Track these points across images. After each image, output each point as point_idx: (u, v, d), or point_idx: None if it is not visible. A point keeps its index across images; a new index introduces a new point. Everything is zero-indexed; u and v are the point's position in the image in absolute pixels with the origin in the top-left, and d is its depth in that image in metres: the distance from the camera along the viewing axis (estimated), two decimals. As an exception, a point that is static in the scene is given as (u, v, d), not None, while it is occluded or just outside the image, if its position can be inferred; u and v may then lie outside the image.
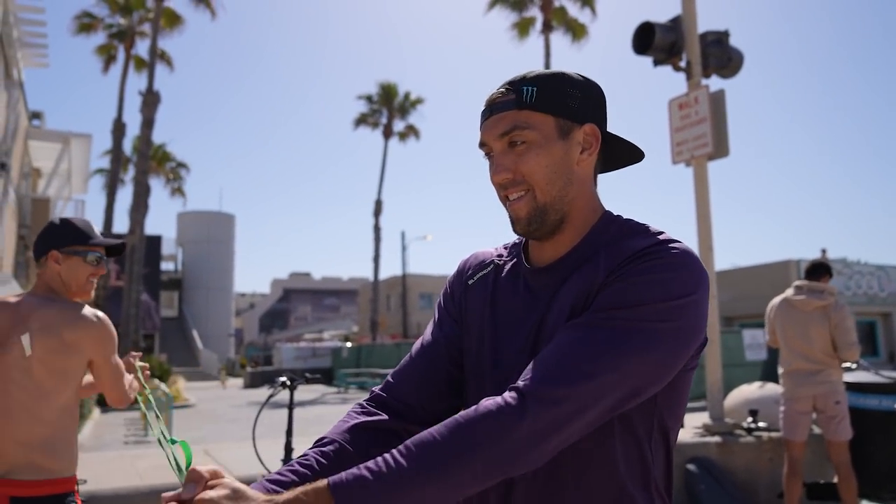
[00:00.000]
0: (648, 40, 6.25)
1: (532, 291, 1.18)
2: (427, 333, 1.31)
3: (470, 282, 1.30)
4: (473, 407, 0.98)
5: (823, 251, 23.18)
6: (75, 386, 2.25)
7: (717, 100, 6.23)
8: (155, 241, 42.32)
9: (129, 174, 30.64)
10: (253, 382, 32.00)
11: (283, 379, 4.08)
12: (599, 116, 1.18)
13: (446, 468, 0.92)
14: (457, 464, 0.92)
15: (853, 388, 5.46)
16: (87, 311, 2.27)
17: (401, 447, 0.94)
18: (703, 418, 6.47)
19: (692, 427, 6.34)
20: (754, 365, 14.84)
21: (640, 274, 1.04)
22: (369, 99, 36.73)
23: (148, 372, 2.43)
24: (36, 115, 23.27)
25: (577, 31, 27.82)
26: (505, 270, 1.25)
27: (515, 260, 1.26)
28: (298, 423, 4.26)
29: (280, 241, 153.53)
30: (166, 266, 49.37)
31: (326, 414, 15.01)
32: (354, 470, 0.92)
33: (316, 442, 1.13)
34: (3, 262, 15.78)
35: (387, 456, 0.93)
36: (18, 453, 2.13)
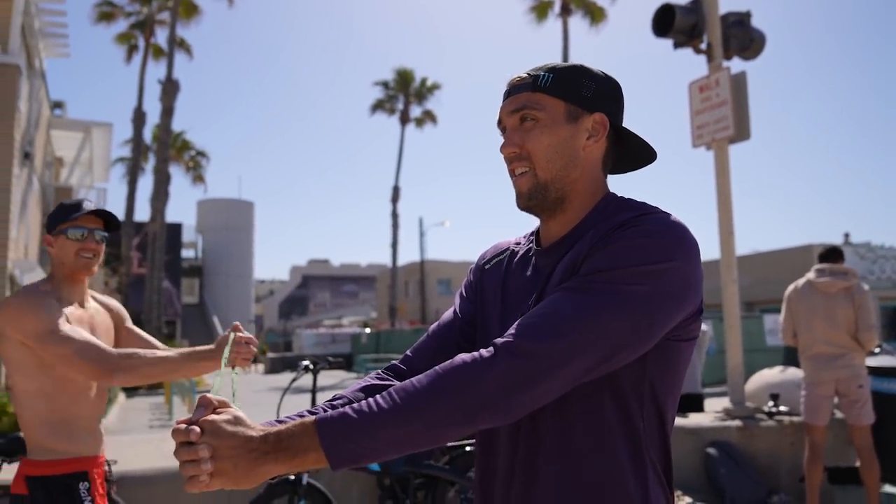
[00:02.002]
0: (668, 22, 6.18)
1: (537, 270, 1.26)
2: (445, 315, 1.41)
3: (486, 266, 1.39)
4: (451, 359, 1.05)
5: (846, 235, 22.89)
6: (33, 371, 2.18)
7: (739, 82, 6.16)
8: (175, 229, 42.73)
9: (150, 163, 30.94)
10: (273, 368, 32.35)
11: (306, 363, 4.13)
12: (612, 109, 1.25)
13: (421, 410, 0.99)
14: (431, 407, 1.00)
15: (876, 372, 5.42)
16: (15, 294, 2.25)
17: (384, 393, 1.02)
18: (723, 403, 6.46)
19: (713, 411, 6.34)
20: (775, 350, 14.74)
21: (618, 240, 1.10)
22: (386, 85, 36.69)
23: (253, 344, 2.11)
24: (57, 105, 23.52)
25: (595, 14, 27.55)
26: (519, 255, 1.34)
27: (530, 245, 1.34)
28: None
29: (299, 227, 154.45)
30: (187, 253, 49.88)
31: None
32: (341, 409, 1.01)
33: (329, 398, 1.21)
34: (28, 250, 16.05)
35: (370, 399, 1.01)
36: (29, 435, 2.22)
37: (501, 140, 1.27)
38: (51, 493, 2.15)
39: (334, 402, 1.18)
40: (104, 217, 2.36)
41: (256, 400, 15.68)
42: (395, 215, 36.56)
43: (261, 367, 34.16)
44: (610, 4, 27.56)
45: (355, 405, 1.01)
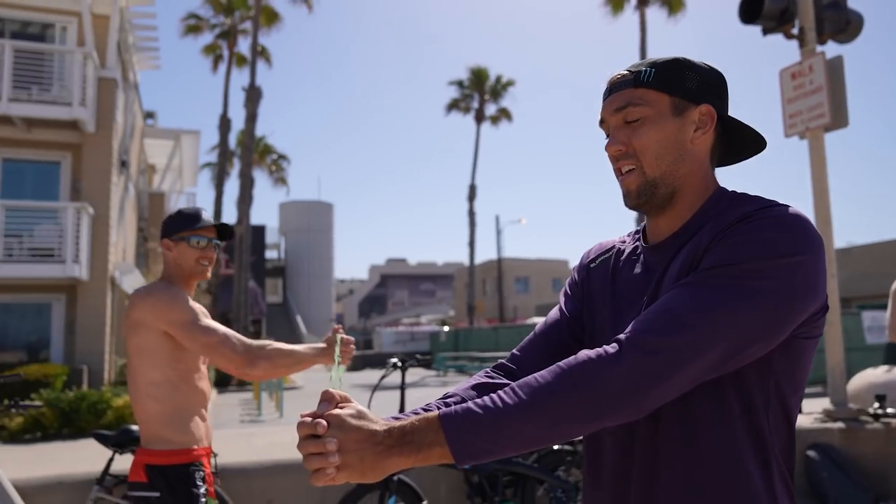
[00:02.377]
0: (757, 8, 5.93)
1: (648, 267, 1.24)
2: (551, 313, 1.40)
3: (592, 265, 1.38)
4: (575, 355, 1.04)
5: None
6: (165, 361, 2.32)
7: (835, 67, 5.85)
8: (259, 231, 44.26)
9: (235, 167, 32.17)
10: (355, 366, 33.04)
11: (394, 360, 4.21)
12: (717, 100, 1.21)
13: (544, 406, 0.99)
14: (556, 403, 0.99)
15: None
16: (145, 287, 2.40)
17: (507, 388, 1.02)
18: (822, 404, 6.16)
19: (811, 413, 6.05)
20: (876, 349, 13.92)
21: (742, 234, 1.07)
22: (460, 84, 36.82)
23: (351, 343, 2.25)
24: (149, 115, 24.82)
25: (673, 4, 26.76)
26: (626, 252, 1.32)
27: (637, 243, 1.32)
28: (399, 404, 4.38)
29: (376, 227, 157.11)
30: (270, 254, 51.53)
31: (428, 396, 15.31)
32: (464, 405, 1.01)
33: (441, 396, 1.22)
34: (126, 253, 17.00)
35: (493, 395, 1.01)
36: (145, 426, 2.35)
37: (605, 137, 1.25)
38: (170, 481, 2.28)
39: (447, 400, 1.18)
40: (218, 228, 2.54)
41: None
42: (471, 213, 36.65)
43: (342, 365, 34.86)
44: (689, -8, 26.69)
45: (478, 401, 1.01)
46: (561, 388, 1.00)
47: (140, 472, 2.30)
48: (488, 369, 1.34)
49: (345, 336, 2.17)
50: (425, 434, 0.98)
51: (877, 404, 5.68)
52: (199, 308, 2.41)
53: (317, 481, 0.98)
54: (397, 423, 1.00)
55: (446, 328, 37.73)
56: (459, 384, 1.28)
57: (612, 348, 1.03)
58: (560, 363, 1.03)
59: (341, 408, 1.01)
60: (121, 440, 3.91)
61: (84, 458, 5.92)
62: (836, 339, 5.94)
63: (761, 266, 1.03)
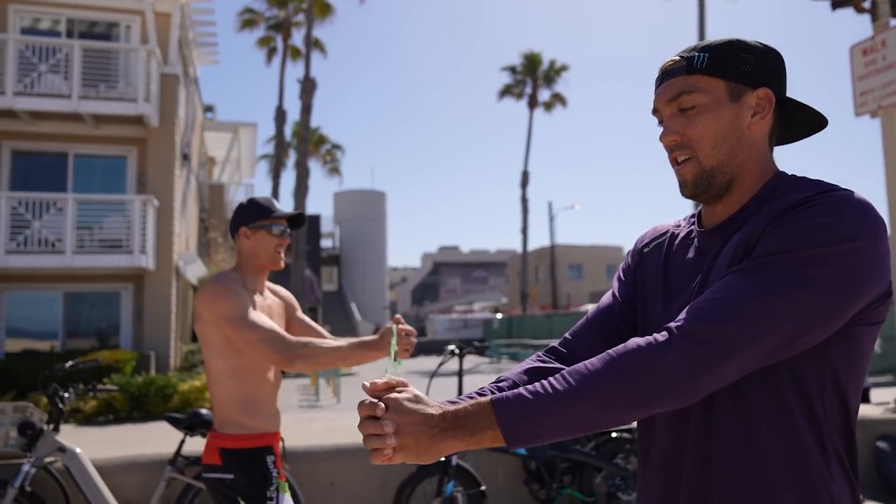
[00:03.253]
0: (825, -18, 5.71)
1: (701, 251, 1.22)
2: (604, 298, 1.40)
3: (646, 250, 1.36)
4: (625, 343, 1.05)
5: None
6: (228, 351, 2.37)
7: (910, 41, 5.58)
8: (314, 220, 44.97)
9: (291, 158, 32.76)
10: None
11: (452, 347, 4.25)
12: (775, 82, 1.17)
13: (594, 392, 1.01)
14: (606, 389, 1.01)
15: None
16: (210, 277, 2.45)
17: (557, 375, 1.05)
18: (892, 393, 5.95)
19: (881, 402, 5.85)
20: (951, 336, 13.29)
21: (799, 220, 1.04)
22: (513, 70, 36.50)
23: (412, 334, 2.27)
24: (209, 109, 25.46)
25: (733, -21, 25.87)
26: (679, 237, 1.30)
27: (692, 227, 1.29)
28: (456, 390, 4.42)
29: (429, 215, 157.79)
30: (325, 243, 52.33)
31: (482, 383, 15.26)
32: (515, 390, 1.04)
33: (494, 380, 1.24)
34: (189, 243, 17.54)
35: (544, 381, 1.04)
36: (220, 411, 2.43)
37: (658, 126, 1.23)
38: (244, 464, 2.36)
39: (500, 385, 1.20)
40: (292, 216, 2.59)
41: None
42: (524, 200, 36.42)
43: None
44: (750, -32, 25.76)
45: (530, 386, 1.03)
46: (610, 374, 1.01)
47: (215, 454, 2.38)
48: (540, 353, 1.35)
49: (404, 327, 2.15)
50: (478, 418, 1.01)
51: (954, 394, 5.46)
52: (254, 301, 2.43)
53: (375, 460, 1.01)
54: (451, 408, 1.03)
55: (499, 315, 37.71)
56: (512, 369, 1.29)
57: (661, 336, 1.03)
58: (610, 350, 1.05)
59: (399, 392, 1.04)
60: (191, 423, 4.07)
61: (153, 440, 6.18)
62: (909, 327, 5.71)
63: (815, 253, 1.01)
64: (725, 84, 1.14)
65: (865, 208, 1.05)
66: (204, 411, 4.10)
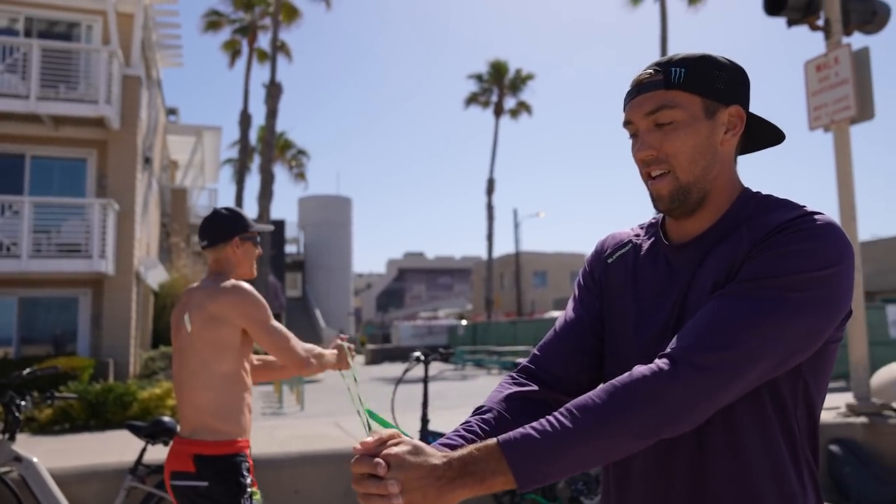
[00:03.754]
0: (782, 0, 5.90)
1: (672, 267, 1.22)
2: (569, 310, 1.36)
3: (609, 260, 1.34)
4: (628, 373, 1.03)
5: None
6: (235, 355, 2.42)
7: (861, 59, 5.80)
8: (279, 226, 44.54)
9: (255, 162, 32.41)
10: (373, 359, 33.20)
11: (417, 354, 4.26)
12: (743, 98, 1.20)
13: (604, 428, 0.99)
14: (614, 424, 0.99)
15: None
16: (227, 283, 2.46)
17: (562, 410, 1.01)
18: (845, 398, 6.13)
19: (833, 407, 6.03)
20: (900, 343, 13.76)
21: (784, 245, 1.06)
22: (479, 78, 36.74)
23: (353, 348, 2.61)
24: (171, 112, 25.08)
25: (694, -7, 26.50)
26: (644, 249, 1.29)
27: (653, 239, 1.29)
28: (422, 397, 4.43)
29: (394, 221, 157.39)
30: (289, 249, 51.84)
31: (446, 389, 15.38)
32: (521, 429, 1.00)
33: (475, 410, 1.21)
34: (150, 248, 17.23)
35: (549, 418, 1.00)
36: (197, 417, 2.40)
37: (629, 138, 1.23)
38: (219, 471, 2.34)
39: (485, 417, 1.17)
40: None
41: (361, 390, 16.18)
42: (490, 207, 36.60)
43: (361, 358, 35.19)
44: (710, -17, 26.42)
45: (536, 425, 1.00)
46: (618, 408, 1.00)
47: (188, 461, 2.35)
48: (513, 374, 1.32)
49: (349, 345, 2.53)
50: (487, 463, 0.97)
51: (901, 399, 5.65)
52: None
53: None
54: (456, 454, 0.98)
55: (464, 322, 37.77)
56: (490, 395, 1.26)
57: (665, 365, 1.02)
58: (614, 381, 1.03)
59: (397, 445, 0.99)
60: (153, 431, 4.01)
61: (112, 449, 6.06)
62: (859, 334, 5.91)
63: (802, 279, 1.04)
64: (701, 101, 1.15)
65: (841, 234, 1.09)
66: (166, 419, 4.04)
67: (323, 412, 10.89)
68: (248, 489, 2.39)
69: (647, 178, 1.20)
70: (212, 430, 2.38)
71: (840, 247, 1.07)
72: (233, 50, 27.30)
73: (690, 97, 1.15)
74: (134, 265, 13.51)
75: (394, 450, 0.97)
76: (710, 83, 1.16)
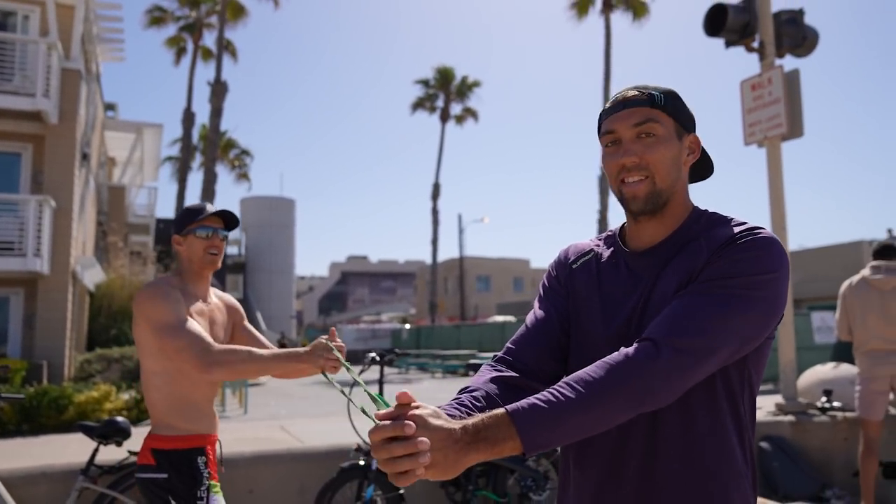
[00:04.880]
0: (721, 22, 6.24)
1: (633, 272, 1.38)
2: (537, 309, 1.51)
3: (574, 266, 1.49)
4: (617, 352, 1.18)
5: (889, 231, 22.46)
6: (157, 354, 2.41)
7: (792, 80, 6.19)
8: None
9: (197, 161, 31.75)
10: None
11: (373, 355, 4.34)
12: (694, 132, 1.43)
13: (601, 399, 1.13)
14: (610, 395, 1.13)
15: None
16: (148, 284, 2.49)
17: (561, 383, 1.14)
18: (775, 399, 6.50)
19: (765, 408, 6.39)
20: (823, 348, 14.50)
21: (739, 252, 1.26)
22: (426, 83, 36.94)
23: (343, 350, 2.24)
24: (110, 107, 24.31)
25: (637, 9, 27.33)
26: (604, 257, 1.45)
27: (613, 248, 1.47)
28: (367, 400, 4.50)
29: (338, 225, 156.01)
30: (231, 250, 50.87)
31: (390, 393, 15.32)
32: (527, 400, 1.11)
33: (462, 390, 1.33)
34: (86, 247, 16.69)
35: (552, 390, 1.13)
36: (154, 414, 2.48)
37: (606, 147, 1.38)
38: (174, 464, 2.41)
39: (474, 394, 1.27)
40: (224, 217, 2.62)
41: (305, 393, 16.07)
42: (435, 212, 36.80)
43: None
44: (652, 0, 27.30)
45: (540, 396, 1.11)
46: (612, 381, 1.14)
47: (148, 455, 2.43)
48: (492, 363, 1.44)
49: (339, 343, 2.24)
50: (497, 429, 1.07)
51: (824, 398, 6.04)
52: (193, 307, 2.47)
53: (404, 482, 1.00)
54: (470, 421, 1.08)
55: (408, 326, 37.80)
56: (474, 378, 1.37)
57: (649, 346, 1.18)
58: (606, 360, 1.17)
59: (416, 407, 1.05)
60: (106, 432, 3.97)
61: (48, 454, 5.90)
62: (788, 339, 6.28)
63: (754, 280, 1.24)
64: (675, 123, 1.36)
65: (781, 246, 1.30)
66: (120, 419, 4.01)
67: (267, 416, 10.79)
68: (206, 482, 2.43)
69: (621, 183, 1.37)
70: (167, 426, 2.45)
71: (780, 256, 1.28)
72: (177, 47, 26.75)
73: (668, 118, 1.36)
74: (70, 264, 13.08)
75: (418, 412, 1.04)
76: (681, 111, 1.38)
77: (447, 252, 77.25)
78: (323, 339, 2.26)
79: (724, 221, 1.35)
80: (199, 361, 2.27)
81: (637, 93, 1.36)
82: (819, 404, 6.02)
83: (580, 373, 1.16)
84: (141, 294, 2.44)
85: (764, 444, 5.67)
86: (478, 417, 1.09)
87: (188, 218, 2.55)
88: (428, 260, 39.01)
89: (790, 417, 5.88)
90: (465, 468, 1.07)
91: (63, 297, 12.79)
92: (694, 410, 1.29)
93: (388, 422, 1.01)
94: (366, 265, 75.77)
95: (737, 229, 1.30)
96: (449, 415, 1.15)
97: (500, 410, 1.09)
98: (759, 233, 1.29)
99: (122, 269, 18.03)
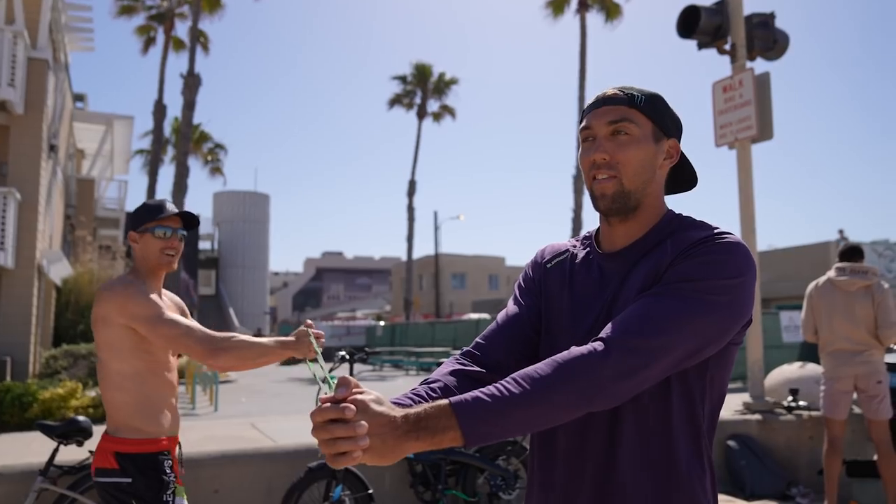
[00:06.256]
0: (693, 24, 6.28)
1: (604, 272, 1.39)
2: (510, 306, 1.52)
3: (549, 265, 1.50)
4: (567, 351, 1.17)
5: (840, 232, 23.03)
6: (131, 355, 2.38)
7: (762, 82, 6.25)
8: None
9: (169, 154, 31.27)
10: (288, 360, 32.57)
11: (342, 353, 4.29)
12: (679, 139, 1.42)
13: (546, 395, 1.11)
14: (553, 392, 1.12)
15: (894, 368, 5.53)
16: (108, 284, 2.43)
17: (509, 378, 1.13)
18: (742, 398, 6.59)
19: (732, 406, 6.46)
20: (791, 347, 14.72)
21: (702, 255, 1.25)
22: (403, 80, 36.80)
23: (322, 338, 2.30)
24: (79, 98, 23.84)
25: (610, 10, 27.49)
26: (579, 257, 1.46)
27: (588, 248, 1.47)
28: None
29: (313, 220, 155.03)
30: (203, 245, 50.24)
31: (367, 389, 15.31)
32: (471, 392, 1.11)
33: (423, 381, 1.33)
34: (53, 241, 16.36)
35: (498, 384, 1.12)
36: (117, 416, 2.41)
37: (583, 143, 1.39)
38: (140, 468, 2.34)
39: (432, 386, 1.29)
40: (183, 217, 2.56)
41: (277, 390, 15.94)
42: (410, 209, 36.70)
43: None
44: (625, 1, 27.49)
45: (485, 389, 1.11)
46: (558, 379, 1.13)
47: (110, 459, 2.35)
48: (457, 356, 1.45)
49: (316, 331, 2.34)
50: (439, 420, 1.07)
51: (790, 397, 6.13)
52: (172, 301, 2.48)
53: (340, 463, 1.02)
54: (412, 410, 1.08)
55: (382, 323, 37.70)
56: (437, 370, 1.39)
57: (599, 345, 1.17)
58: (555, 357, 1.17)
59: (361, 393, 1.06)
60: (66, 431, 3.88)
61: (11, 452, 5.77)
62: (756, 338, 6.36)
63: (716, 284, 1.23)
64: (653, 126, 1.35)
65: (747, 251, 1.29)
66: (81, 419, 3.92)
67: (238, 413, 10.67)
68: (172, 486, 2.39)
69: (592, 180, 1.37)
70: (131, 429, 2.38)
71: (746, 261, 1.27)
72: (146, 36, 26.28)
73: (646, 120, 1.35)
74: (36, 258, 12.81)
75: (360, 396, 1.05)
76: (661, 114, 1.37)
77: (423, 249, 77.40)
78: (304, 327, 2.37)
79: (695, 225, 1.35)
80: (204, 347, 2.28)
81: (618, 92, 1.37)
82: (785, 403, 6.11)
83: (528, 369, 1.16)
84: (113, 293, 2.37)
85: (731, 443, 5.73)
86: (421, 407, 1.09)
87: (146, 216, 2.49)
88: (403, 257, 38.92)
89: (757, 416, 5.95)
90: (405, 455, 1.07)
91: (28, 292, 12.52)
92: (647, 412, 1.29)
93: (329, 404, 1.02)
94: (341, 261, 75.42)
95: (704, 233, 1.30)
96: (401, 404, 1.16)
97: (444, 401, 1.09)
98: (726, 237, 1.28)
99: (91, 264, 17.69)
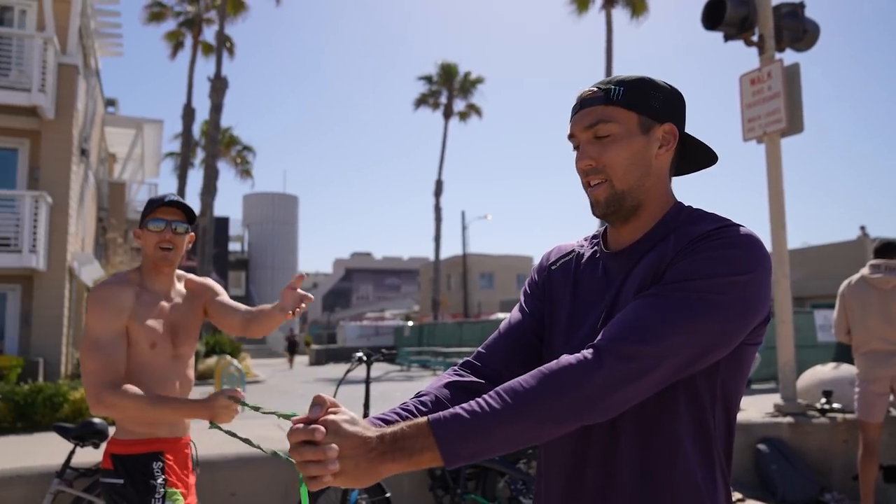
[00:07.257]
0: (719, 15, 6.10)
1: (608, 273, 1.31)
2: (514, 313, 1.45)
3: (553, 267, 1.43)
4: (555, 360, 1.09)
5: (862, 228, 22.50)
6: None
7: (792, 74, 6.06)
8: (223, 223, 43.65)
9: (198, 157, 31.68)
10: (318, 360, 32.83)
11: (360, 354, 4.24)
12: (678, 118, 1.29)
13: (531, 409, 1.03)
14: (540, 406, 1.04)
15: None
16: (101, 282, 2.39)
17: (491, 392, 1.06)
18: (773, 399, 6.39)
19: (763, 408, 6.27)
20: (826, 346, 14.38)
21: (705, 251, 1.14)
22: (429, 80, 36.77)
23: (240, 394, 2.31)
24: (111, 103, 24.28)
25: (636, 6, 27.12)
26: (585, 257, 1.38)
27: (595, 248, 1.38)
28: (364, 398, 4.41)
29: (342, 221, 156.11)
30: (233, 246, 50.93)
31: (392, 390, 15.34)
32: (451, 409, 1.04)
33: (414, 395, 1.26)
34: (85, 243, 16.65)
35: (479, 400, 1.05)
36: (115, 417, 2.37)
37: (573, 150, 1.31)
38: (129, 470, 2.32)
39: (422, 399, 1.22)
40: (184, 209, 2.43)
41: (305, 391, 16.00)
42: (437, 209, 36.66)
43: (305, 358, 34.75)
44: (653, -5, 27.11)
45: (465, 406, 1.04)
46: (544, 391, 1.04)
47: (108, 460, 2.35)
48: (456, 367, 1.38)
49: (231, 390, 2.31)
50: (416, 439, 1.00)
51: (823, 399, 5.92)
52: (147, 303, 2.36)
53: (313, 487, 0.98)
54: (388, 430, 1.01)
55: (410, 323, 37.74)
56: (431, 382, 1.31)
57: (590, 354, 1.08)
58: (542, 368, 1.08)
59: (334, 413, 1.01)
60: (82, 433, 3.88)
61: (39, 452, 5.83)
62: (787, 337, 6.16)
63: (720, 282, 1.12)
64: (637, 117, 1.24)
65: (758, 244, 1.17)
66: (97, 420, 3.92)
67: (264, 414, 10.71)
68: (161, 490, 2.33)
69: (587, 186, 1.29)
70: (124, 430, 2.36)
71: (756, 256, 1.15)
72: (175, 41, 26.63)
73: (627, 113, 1.25)
74: (67, 260, 13.03)
75: (331, 417, 1.00)
76: (645, 101, 1.25)
77: (450, 249, 77.32)
78: (225, 392, 2.31)
79: (703, 218, 1.23)
80: (89, 393, 2.25)
81: (594, 90, 1.28)
82: (818, 405, 5.90)
83: (513, 381, 1.07)
84: (92, 293, 2.35)
85: (761, 447, 5.55)
86: (398, 426, 1.02)
87: (146, 210, 2.42)
88: (431, 257, 38.86)
89: (789, 419, 5.76)
90: (382, 477, 1.01)
91: (59, 294, 12.74)
92: (650, 421, 1.18)
93: (300, 425, 0.99)
94: (370, 262, 75.74)
95: (709, 226, 1.18)
96: (386, 420, 1.10)
97: (423, 420, 1.02)
98: (734, 229, 1.17)
99: (122, 266, 17.99)
